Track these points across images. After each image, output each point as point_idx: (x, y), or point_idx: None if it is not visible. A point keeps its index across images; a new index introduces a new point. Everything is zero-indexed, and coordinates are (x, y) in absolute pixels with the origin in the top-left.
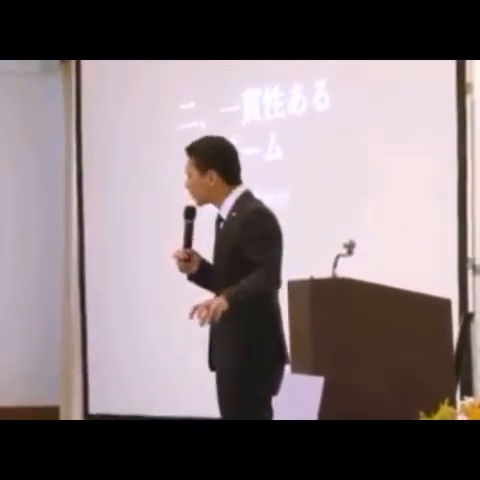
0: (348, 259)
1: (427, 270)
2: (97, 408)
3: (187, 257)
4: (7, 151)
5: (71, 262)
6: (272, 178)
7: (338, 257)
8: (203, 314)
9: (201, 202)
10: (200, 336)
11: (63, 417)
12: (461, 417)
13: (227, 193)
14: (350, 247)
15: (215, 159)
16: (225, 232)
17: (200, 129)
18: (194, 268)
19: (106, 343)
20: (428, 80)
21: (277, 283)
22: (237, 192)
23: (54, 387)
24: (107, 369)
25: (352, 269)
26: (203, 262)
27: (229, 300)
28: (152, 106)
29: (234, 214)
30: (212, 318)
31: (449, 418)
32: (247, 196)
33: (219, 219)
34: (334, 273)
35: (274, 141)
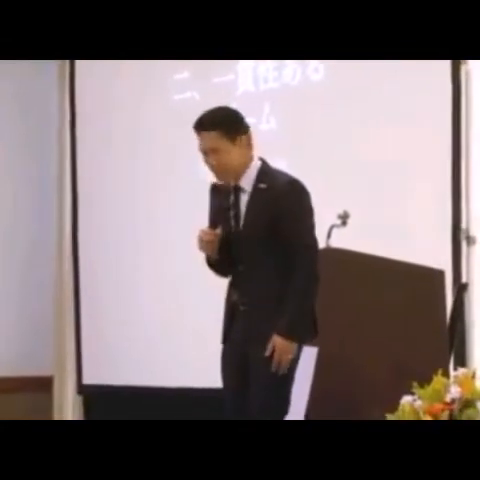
0: (342, 230)
1: (421, 241)
2: (91, 379)
3: (212, 238)
4: None
5: (64, 234)
6: (267, 148)
7: (332, 228)
8: (280, 368)
9: (230, 176)
10: (194, 308)
11: (57, 387)
12: (454, 388)
13: (249, 161)
14: (344, 218)
15: (241, 124)
16: (253, 204)
17: (195, 99)
18: (216, 252)
19: (100, 313)
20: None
21: (317, 275)
22: (256, 162)
23: (48, 357)
24: (101, 339)
25: (346, 240)
26: (226, 241)
27: (292, 338)
28: (146, 77)
29: (262, 186)
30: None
31: (442, 389)
32: (268, 165)
33: (234, 191)
34: (328, 244)
35: (268, 111)
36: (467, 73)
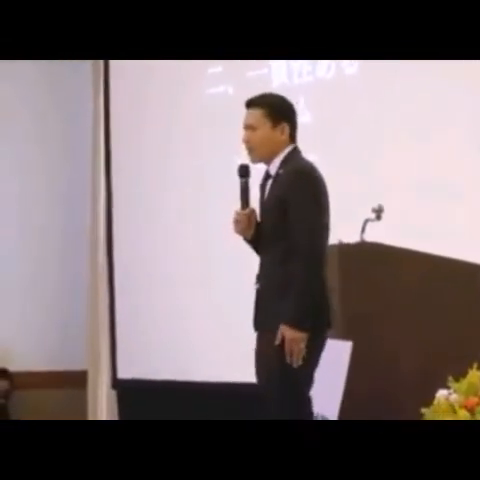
0: (377, 223)
1: (461, 235)
2: (125, 373)
3: (241, 218)
4: (34, 124)
5: (99, 227)
6: (301, 142)
7: (366, 222)
8: (295, 360)
9: (260, 158)
10: (228, 302)
11: (91, 382)
12: None
13: (282, 149)
14: (379, 212)
15: (289, 112)
16: (272, 190)
17: (228, 93)
18: (251, 231)
19: (134, 308)
20: None
21: (319, 262)
22: (287, 148)
23: (83, 352)
24: (135, 334)
25: (381, 233)
26: (259, 225)
27: (299, 328)
28: (180, 71)
29: (281, 171)
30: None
31: (478, 383)
32: (295, 153)
33: (267, 176)
34: (362, 238)
35: (303, 105)
36: None
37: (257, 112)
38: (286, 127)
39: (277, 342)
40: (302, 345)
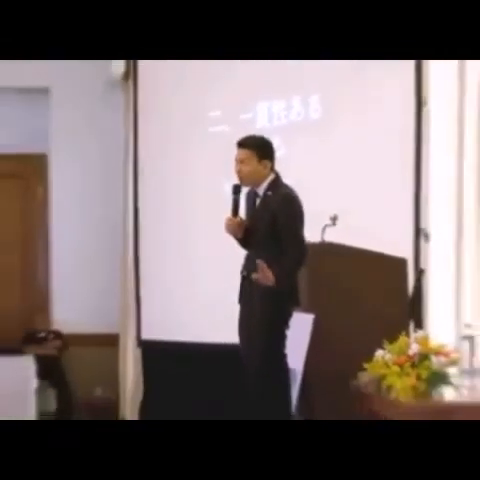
0: (333, 228)
1: (390, 237)
2: (148, 334)
3: (231, 223)
4: (73, 136)
5: (128, 202)
6: (279, 170)
7: (325, 227)
8: (263, 280)
9: (249, 184)
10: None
11: (122, 342)
12: (414, 345)
13: (266, 176)
14: (334, 219)
15: (270, 152)
16: (262, 206)
17: (225, 132)
18: (240, 234)
19: (156, 278)
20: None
21: (302, 260)
22: (271, 175)
23: (115, 318)
24: (159, 301)
25: (337, 235)
26: (247, 229)
27: (276, 280)
28: (190, 114)
29: (269, 193)
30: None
31: (405, 346)
32: (278, 179)
33: (255, 195)
34: (323, 238)
35: (279, 141)
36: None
37: (247, 151)
38: (268, 163)
39: (255, 277)
40: (269, 274)
